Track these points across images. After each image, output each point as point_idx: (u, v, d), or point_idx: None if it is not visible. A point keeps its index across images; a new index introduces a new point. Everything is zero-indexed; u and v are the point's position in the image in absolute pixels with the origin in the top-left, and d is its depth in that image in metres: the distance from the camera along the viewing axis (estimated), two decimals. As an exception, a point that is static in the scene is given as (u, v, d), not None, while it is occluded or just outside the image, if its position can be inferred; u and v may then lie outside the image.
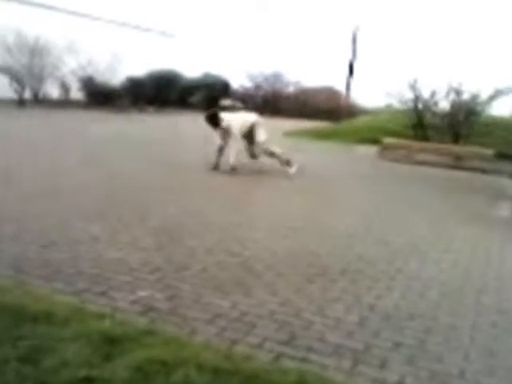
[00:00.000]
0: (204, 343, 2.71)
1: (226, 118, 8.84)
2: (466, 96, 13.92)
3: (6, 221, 4.77)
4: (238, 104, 32.81)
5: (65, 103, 21.87)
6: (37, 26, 19.73)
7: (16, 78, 20.84)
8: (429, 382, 2.59)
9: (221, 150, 8.91)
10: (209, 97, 29.30)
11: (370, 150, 13.04)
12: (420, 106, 13.99)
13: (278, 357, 2.69)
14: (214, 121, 8.77)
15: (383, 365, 2.71)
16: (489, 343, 3.05)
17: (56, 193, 6.20)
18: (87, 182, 7.02)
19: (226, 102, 32.59)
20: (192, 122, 19.92)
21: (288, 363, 2.63)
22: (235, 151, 8.78)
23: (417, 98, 14.16)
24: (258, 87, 29.57)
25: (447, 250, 5.05)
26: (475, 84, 13.76)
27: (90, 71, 21.98)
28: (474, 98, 13.65)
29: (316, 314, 3.24)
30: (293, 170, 8.97)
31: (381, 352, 2.83)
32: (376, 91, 22.05)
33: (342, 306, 3.42)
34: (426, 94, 14.17)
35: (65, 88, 22.71)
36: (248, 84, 30.38)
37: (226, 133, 8.82)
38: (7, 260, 3.73)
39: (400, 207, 7.09)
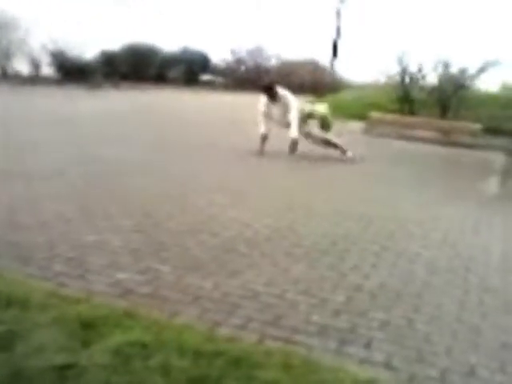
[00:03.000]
0: (185, 325, 2.73)
1: (285, 93, 8.87)
2: (454, 69, 13.99)
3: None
4: (219, 78, 32.66)
5: (35, 79, 21.51)
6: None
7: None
8: (415, 361, 2.64)
9: (264, 138, 8.87)
10: (187, 71, 29.06)
11: (357, 125, 13.06)
12: (407, 79, 14.01)
13: (262, 338, 2.72)
14: (270, 92, 8.74)
15: (370, 345, 2.75)
16: (475, 321, 3.11)
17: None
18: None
19: (205, 76, 32.39)
20: (172, 99, 19.84)
21: (272, 344, 2.66)
22: (296, 123, 8.67)
23: (404, 72, 14.18)
24: (239, 61, 29.34)
25: (434, 228, 5.13)
26: (463, 57, 13.91)
27: (60, 45, 21.57)
28: (463, 71, 13.72)
29: (301, 294, 3.28)
30: (350, 154, 9.07)
31: (367, 332, 2.88)
32: (362, 65, 22.06)
33: (327, 285, 3.46)
34: (413, 68, 14.21)
35: (34, 63, 22.31)
36: (230, 58, 30.14)
37: (281, 108, 8.78)
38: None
39: (387, 186, 7.16)
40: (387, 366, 2.58)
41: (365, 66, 20.37)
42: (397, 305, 3.25)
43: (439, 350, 2.76)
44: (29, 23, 20.24)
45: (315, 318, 2.98)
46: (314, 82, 28.07)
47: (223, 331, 2.74)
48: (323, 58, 29.96)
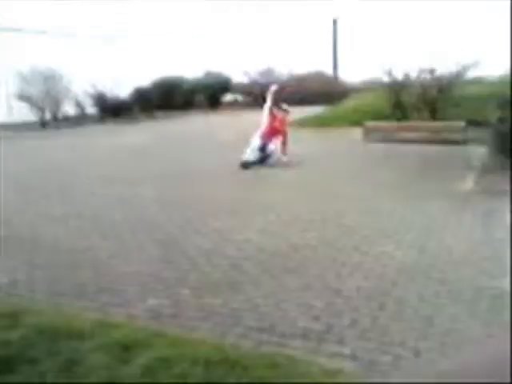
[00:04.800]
0: (199, 338, 3.20)
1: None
2: (439, 73, 14.13)
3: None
4: (239, 97, 33.11)
5: (81, 119, 22.44)
6: (44, 54, 20.36)
7: (35, 103, 21.56)
8: (376, 351, 3.05)
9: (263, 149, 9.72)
10: (210, 94, 29.60)
11: (355, 133, 13.35)
12: (396, 87, 14.24)
13: (259, 344, 3.17)
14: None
15: (341, 341, 3.17)
16: (430, 312, 3.49)
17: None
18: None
19: (227, 96, 32.86)
20: (197, 123, 20.41)
21: (266, 348, 3.11)
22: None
23: (393, 81, 14.43)
24: (253, 82, 29.77)
25: (408, 230, 5.41)
26: (447, 60, 13.97)
27: (99, 88, 22.49)
28: (445, 76, 13.88)
29: (291, 303, 3.71)
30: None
31: (340, 330, 3.30)
32: (361, 65, 22.09)
33: (312, 292, 3.88)
34: (401, 75, 14.42)
35: (80, 106, 23.30)
36: (244, 80, 30.59)
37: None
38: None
39: (371, 189, 7.44)
40: (353, 357, 3.01)
41: (363, 67, 20.46)
42: (366, 304, 3.65)
43: (396, 340, 3.16)
44: (71, 73, 21.11)
45: (300, 323, 3.42)
46: (322, 92, 28.21)
47: (229, 340, 3.21)
48: (327, 67, 30.10)
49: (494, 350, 0.72)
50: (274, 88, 10.13)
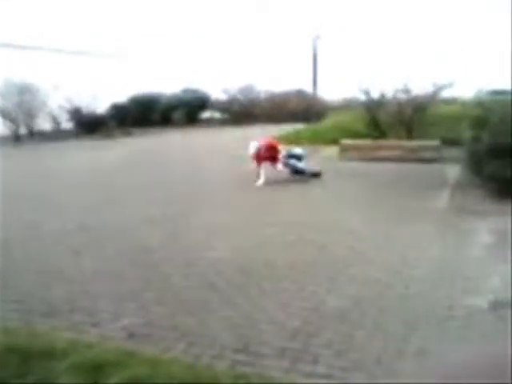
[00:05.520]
0: (173, 359, 3.18)
1: None
2: (414, 93, 14.46)
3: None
4: (217, 114, 33.22)
5: (56, 134, 22.21)
6: (20, 67, 20.17)
7: (9, 116, 21.31)
8: (351, 369, 3.07)
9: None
10: (188, 111, 29.63)
11: (333, 151, 13.49)
12: (373, 106, 14.50)
13: (233, 364, 3.16)
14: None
15: (316, 360, 3.18)
16: (404, 331, 3.52)
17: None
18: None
19: (205, 113, 32.93)
20: (173, 141, 20.37)
21: (240, 368, 3.10)
22: None
23: (369, 100, 14.70)
24: (232, 99, 29.95)
25: (381, 249, 5.47)
26: (423, 81, 14.32)
27: (76, 103, 22.34)
28: (420, 95, 14.20)
29: (267, 323, 3.72)
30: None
31: (316, 349, 3.31)
32: (340, 84, 22.37)
33: (289, 311, 3.89)
34: (377, 94, 14.71)
35: (55, 121, 23.10)
36: (223, 97, 30.73)
37: None
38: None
39: (345, 210, 7.54)
40: (328, 376, 3.02)
41: (341, 85, 20.74)
42: (343, 323, 3.68)
43: (370, 359, 3.18)
44: (47, 87, 20.95)
45: (276, 342, 3.42)
46: (301, 110, 28.48)
47: (203, 360, 3.19)
48: (306, 85, 30.42)
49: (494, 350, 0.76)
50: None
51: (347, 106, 20.99)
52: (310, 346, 3.33)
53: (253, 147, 9.89)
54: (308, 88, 30.15)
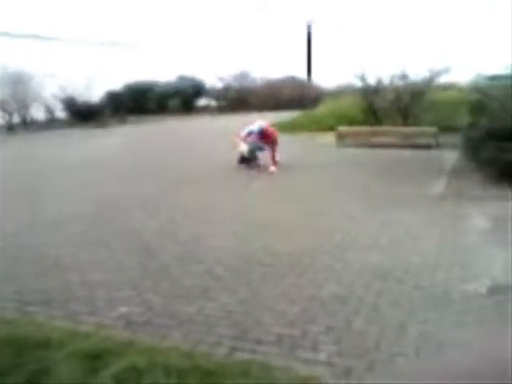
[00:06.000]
0: (171, 347, 3.17)
1: None
2: (411, 78, 14.40)
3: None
4: (213, 102, 33.06)
5: (50, 124, 22.11)
6: (14, 56, 20.01)
7: (2, 105, 21.20)
8: (351, 355, 3.06)
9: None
10: (183, 99, 29.49)
11: (329, 138, 13.47)
12: (369, 93, 14.44)
13: (232, 351, 3.16)
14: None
15: (315, 347, 3.18)
16: (403, 317, 3.52)
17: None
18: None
19: (201, 101, 32.77)
20: (169, 129, 20.27)
21: (239, 355, 3.09)
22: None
23: (365, 87, 14.64)
24: (227, 87, 29.82)
25: (379, 236, 5.44)
26: (419, 67, 14.26)
27: (70, 91, 22.22)
28: (417, 81, 14.14)
29: (265, 310, 3.71)
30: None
31: (314, 336, 3.31)
32: (335, 70, 22.29)
33: (287, 299, 3.88)
34: (373, 81, 14.64)
35: (49, 110, 22.97)
36: (219, 84, 30.60)
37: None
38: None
39: (343, 196, 7.52)
40: (328, 363, 3.01)
41: (336, 71, 20.62)
42: (342, 310, 3.68)
43: (370, 344, 3.18)
44: (40, 76, 20.80)
45: (275, 329, 3.41)
46: (296, 97, 28.35)
47: (201, 348, 3.18)
48: (301, 71, 30.29)
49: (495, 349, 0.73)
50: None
51: (342, 92, 20.91)
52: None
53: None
54: (302, 74, 30.06)
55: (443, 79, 14.88)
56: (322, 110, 19.49)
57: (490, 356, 0.70)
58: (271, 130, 10.24)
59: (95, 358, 2.95)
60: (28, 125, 21.96)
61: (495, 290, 3.82)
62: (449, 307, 3.61)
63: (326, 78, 27.32)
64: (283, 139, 14.36)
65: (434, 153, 11.14)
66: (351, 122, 14.23)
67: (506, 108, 7.80)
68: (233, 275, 4.38)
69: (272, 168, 9.55)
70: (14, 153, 14.84)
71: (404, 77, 14.35)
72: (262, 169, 9.78)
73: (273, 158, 9.68)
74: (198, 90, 30.63)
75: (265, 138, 9.84)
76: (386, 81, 14.50)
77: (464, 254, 4.76)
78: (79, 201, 7.64)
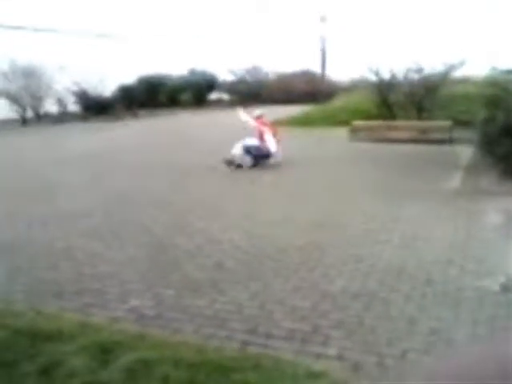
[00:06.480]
0: (182, 341, 3.18)
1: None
2: (426, 72, 14.25)
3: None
4: (225, 96, 33.07)
5: (63, 117, 22.26)
6: (25, 49, 20.12)
7: (15, 99, 21.37)
8: (363, 352, 3.05)
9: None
10: (195, 93, 29.53)
11: (343, 132, 13.40)
12: (383, 87, 14.32)
13: (243, 345, 3.16)
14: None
15: (326, 342, 3.17)
16: (414, 313, 3.50)
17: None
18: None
19: (213, 95, 32.79)
20: (181, 123, 20.30)
21: (251, 350, 3.10)
22: None
23: (380, 80, 14.52)
24: (240, 80, 29.80)
25: (392, 230, 5.41)
26: (433, 60, 14.12)
27: (82, 85, 22.34)
28: (432, 75, 13.99)
29: (277, 304, 3.71)
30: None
31: (326, 331, 3.30)
32: (349, 64, 22.13)
33: (299, 294, 3.88)
34: (387, 75, 14.51)
35: (62, 104, 23.12)
36: (231, 78, 30.58)
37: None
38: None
39: (355, 191, 7.47)
40: (339, 358, 3.01)
41: (350, 65, 20.49)
42: (352, 305, 3.66)
43: (382, 340, 3.17)
44: (53, 69, 20.93)
45: (286, 323, 3.41)
46: (309, 91, 28.25)
47: (212, 342, 3.19)
48: (314, 65, 30.14)
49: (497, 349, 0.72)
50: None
51: (355, 86, 20.77)
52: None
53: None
54: (316, 69, 29.92)
55: (458, 73, 14.70)
56: (335, 104, 19.40)
57: (500, 355, 0.68)
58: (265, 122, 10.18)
59: (106, 351, 2.98)
60: (41, 118, 22.12)
61: (509, 287, 3.78)
62: (461, 304, 3.58)
63: (340, 72, 27.19)
64: (295, 133, 14.44)
65: (448, 148, 11.03)
66: (365, 116, 14.15)
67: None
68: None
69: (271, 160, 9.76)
70: (30, 144, 14.97)
71: (419, 70, 14.20)
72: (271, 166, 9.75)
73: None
74: (210, 83, 30.64)
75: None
76: (400, 75, 14.35)
77: (479, 248, 4.72)
78: (90, 193, 7.70)
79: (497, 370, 0.64)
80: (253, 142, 9.71)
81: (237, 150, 9.52)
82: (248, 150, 9.51)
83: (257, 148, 9.58)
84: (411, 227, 5.51)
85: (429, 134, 11.94)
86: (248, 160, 9.48)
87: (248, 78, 29.78)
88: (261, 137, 9.76)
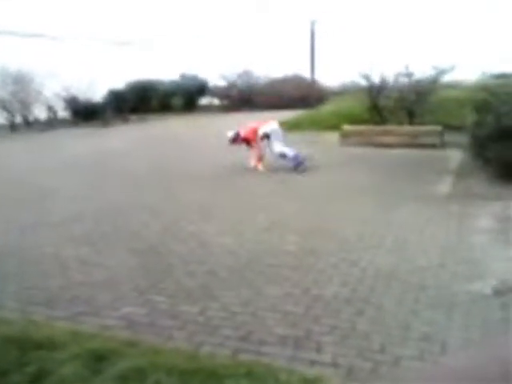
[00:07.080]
0: (175, 348, 3.17)
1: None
2: (416, 77, 14.34)
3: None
4: (216, 101, 33.02)
5: (53, 123, 22.14)
6: (15, 55, 20.03)
7: (3, 105, 21.24)
8: (356, 358, 3.06)
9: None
10: (186, 98, 29.46)
11: (333, 137, 13.44)
12: (374, 92, 14.39)
13: (236, 352, 3.16)
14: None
15: (319, 348, 3.18)
16: (407, 318, 3.52)
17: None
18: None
19: (204, 100, 32.74)
20: (171, 129, 20.28)
21: (244, 357, 3.09)
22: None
23: (370, 86, 14.59)
24: (231, 85, 29.80)
25: (384, 236, 5.43)
26: (424, 65, 14.23)
27: (72, 91, 22.25)
28: (422, 80, 14.08)
29: (269, 311, 3.71)
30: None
31: (318, 337, 3.31)
32: (339, 69, 22.27)
33: (291, 299, 3.88)
34: (378, 79, 14.58)
35: (51, 110, 23.00)
36: (222, 83, 30.56)
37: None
38: (12, 294, 4.15)
39: (348, 195, 7.51)
40: (333, 364, 3.01)
41: (340, 70, 20.62)
42: (345, 310, 3.67)
43: (375, 347, 3.17)
44: (42, 76, 20.83)
45: (278, 330, 3.41)
46: (300, 96, 28.27)
47: (205, 349, 3.19)
48: (305, 70, 30.22)
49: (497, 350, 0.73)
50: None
51: (346, 91, 20.85)
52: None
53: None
54: (307, 73, 29.99)
55: (449, 77, 14.82)
56: (326, 108, 19.47)
57: (494, 357, 0.70)
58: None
59: (98, 359, 2.96)
60: (30, 124, 22.00)
61: (500, 291, 3.81)
62: (453, 308, 3.60)
63: (331, 76, 27.29)
64: (286, 138, 14.40)
65: (439, 152, 11.12)
66: (356, 120, 14.19)
67: (513, 106, 7.78)
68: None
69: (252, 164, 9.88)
70: (19, 150, 14.86)
71: (409, 75, 14.30)
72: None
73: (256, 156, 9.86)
74: (200, 88, 30.58)
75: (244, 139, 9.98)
76: (390, 79, 14.43)
77: (470, 252, 4.75)
78: (81, 200, 7.66)
79: (490, 373, 0.65)
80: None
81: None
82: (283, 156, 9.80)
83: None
84: (403, 231, 5.55)
85: (420, 139, 12.01)
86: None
87: (239, 82, 29.77)
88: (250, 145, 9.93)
